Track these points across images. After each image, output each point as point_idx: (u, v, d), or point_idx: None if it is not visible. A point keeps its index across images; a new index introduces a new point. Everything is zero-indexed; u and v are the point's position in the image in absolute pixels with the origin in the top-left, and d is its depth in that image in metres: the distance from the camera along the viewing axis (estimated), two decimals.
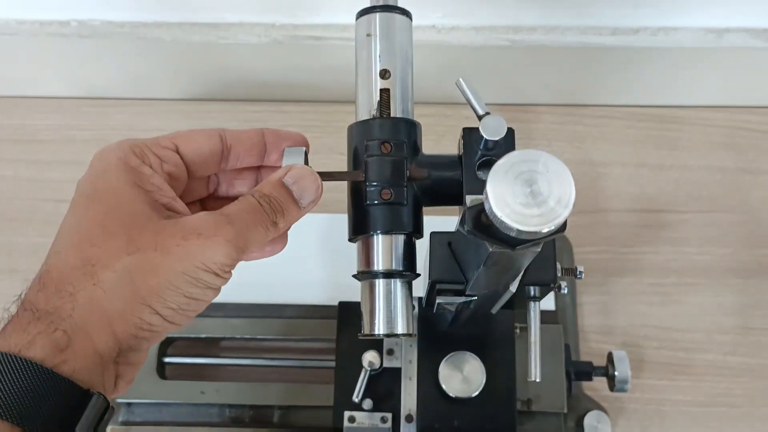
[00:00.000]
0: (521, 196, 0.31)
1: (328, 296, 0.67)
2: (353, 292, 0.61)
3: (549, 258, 0.44)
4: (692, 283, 0.75)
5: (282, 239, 0.47)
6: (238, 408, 0.64)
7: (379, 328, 0.45)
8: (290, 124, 0.80)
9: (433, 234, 0.45)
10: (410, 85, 0.47)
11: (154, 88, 0.79)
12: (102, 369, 0.36)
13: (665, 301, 0.74)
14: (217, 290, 0.40)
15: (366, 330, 0.45)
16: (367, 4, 0.47)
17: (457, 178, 0.43)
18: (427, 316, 0.61)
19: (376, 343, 0.61)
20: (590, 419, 0.64)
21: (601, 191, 0.78)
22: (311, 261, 0.71)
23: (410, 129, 0.45)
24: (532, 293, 0.47)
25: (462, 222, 0.37)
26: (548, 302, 0.69)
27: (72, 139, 0.80)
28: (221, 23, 0.69)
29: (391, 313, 0.45)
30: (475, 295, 0.45)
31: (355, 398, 0.59)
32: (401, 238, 0.45)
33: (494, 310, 0.50)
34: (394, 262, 0.45)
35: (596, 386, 0.69)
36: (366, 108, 0.46)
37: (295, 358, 0.67)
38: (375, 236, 0.45)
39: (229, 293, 0.68)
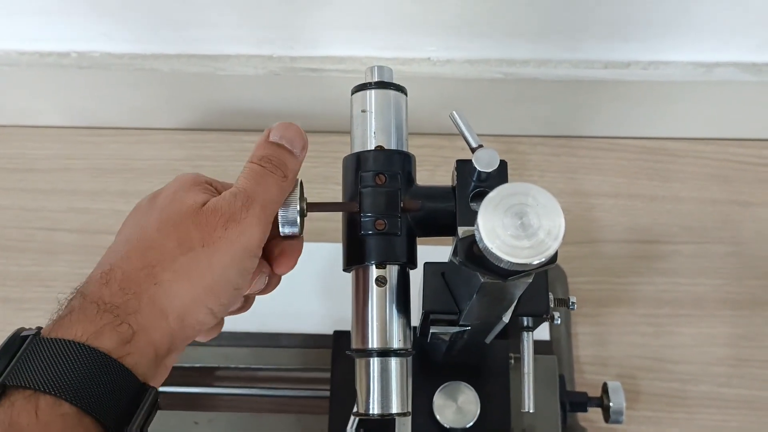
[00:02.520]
0: (511, 229, 0.31)
1: (323, 325, 0.67)
2: (348, 322, 0.61)
3: (541, 289, 0.44)
4: (685, 314, 0.75)
5: (273, 284, 0.48)
6: None
7: (373, 409, 0.42)
8: None
9: (426, 264, 0.46)
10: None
11: (151, 118, 0.80)
12: (155, 366, 0.37)
13: (659, 332, 0.75)
14: (250, 275, 0.41)
15: (360, 409, 0.43)
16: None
17: (451, 209, 0.44)
18: (421, 346, 0.61)
19: None
20: None
21: (594, 222, 0.78)
22: (306, 290, 0.71)
23: (404, 161, 0.45)
24: (525, 323, 0.47)
25: (455, 253, 0.38)
26: (543, 332, 0.69)
27: (68, 168, 0.81)
28: (219, 55, 0.69)
29: (386, 392, 0.42)
30: (468, 325, 0.46)
31: (349, 430, 0.59)
32: (395, 268, 0.45)
33: (488, 340, 0.51)
34: (388, 338, 0.43)
35: (591, 417, 0.69)
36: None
37: (290, 387, 0.67)
38: (370, 267, 0.45)
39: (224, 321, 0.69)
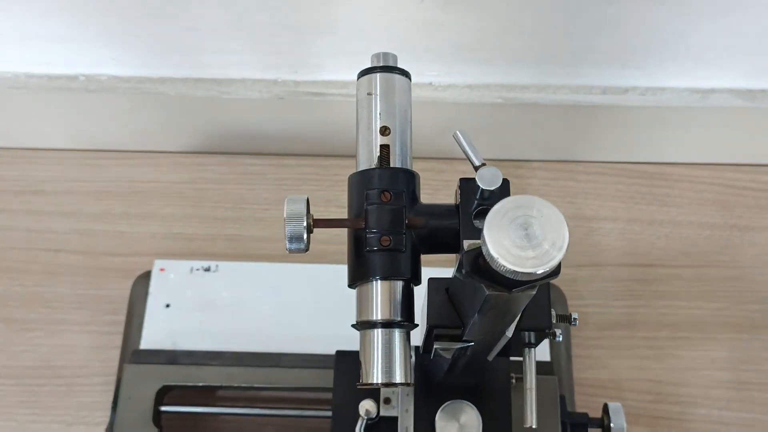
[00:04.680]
0: (517, 239, 0.32)
1: (325, 346, 0.67)
2: (350, 342, 0.62)
3: (544, 304, 0.45)
4: (685, 337, 0.76)
5: None
6: None
7: (377, 378, 0.45)
8: (289, 177, 0.82)
9: (431, 280, 0.46)
10: (409, 140, 0.49)
11: (155, 142, 0.81)
12: None
13: (659, 355, 0.75)
14: None
15: (364, 379, 0.46)
16: (368, 64, 0.49)
17: (454, 226, 0.44)
18: (423, 366, 0.62)
19: (373, 392, 0.61)
20: None
21: (593, 246, 0.79)
22: (307, 311, 0.71)
23: (409, 179, 0.46)
24: (527, 339, 0.48)
25: (460, 266, 0.38)
26: (543, 353, 0.69)
27: (73, 190, 0.81)
28: (224, 79, 0.71)
29: (389, 362, 0.45)
30: (471, 341, 0.46)
31: None
32: (400, 284, 0.46)
33: (490, 357, 0.51)
34: (393, 311, 0.45)
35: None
36: (366, 160, 0.47)
37: (292, 407, 0.67)
38: (374, 282, 0.46)
39: (227, 342, 0.69)
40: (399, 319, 0.45)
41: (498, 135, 0.79)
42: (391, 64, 0.48)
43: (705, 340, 0.75)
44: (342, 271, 0.74)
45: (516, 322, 0.44)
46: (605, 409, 0.66)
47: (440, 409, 0.58)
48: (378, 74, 0.48)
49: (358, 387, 0.47)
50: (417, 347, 0.63)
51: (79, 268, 0.78)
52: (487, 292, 0.36)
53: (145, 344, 0.70)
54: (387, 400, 0.62)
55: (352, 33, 0.65)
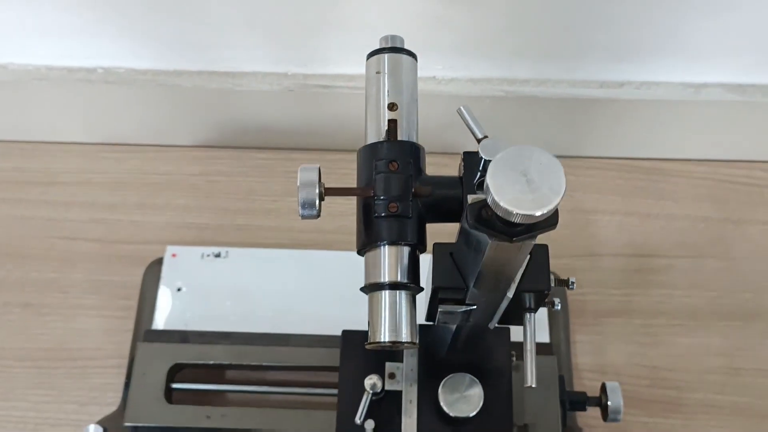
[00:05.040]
0: (517, 184, 0.35)
1: (332, 328, 0.69)
2: (356, 324, 0.64)
3: (543, 266, 0.48)
4: (680, 324, 0.78)
5: None
6: None
7: (384, 336, 0.47)
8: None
9: (436, 245, 0.49)
10: (415, 115, 0.51)
11: (170, 134, 0.84)
12: None
13: (655, 342, 0.77)
14: None
15: (371, 338, 0.48)
16: (375, 47, 0.52)
17: (458, 196, 0.47)
18: (427, 343, 0.64)
19: (378, 368, 0.63)
20: None
21: (592, 237, 0.82)
22: (316, 296, 0.74)
23: (415, 151, 0.49)
24: (527, 304, 0.50)
25: (464, 219, 0.41)
26: (543, 335, 0.72)
27: (89, 182, 0.84)
28: (237, 72, 0.74)
29: (396, 322, 0.47)
30: (474, 304, 0.49)
31: (358, 419, 0.61)
32: (406, 250, 0.49)
33: (492, 324, 0.53)
34: (400, 273, 0.48)
35: (590, 423, 0.72)
36: (375, 134, 0.50)
37: (300, 385, 0.69)
38: (382, 247, 0.48)
39: (236, 324, 0.72)
40: (405, 281, 0.48)
41: (499, 131, 0.81)
42: (398, 45, 0.52)
43: (699, 328, 0.78)
44: (350, 258, 0.77)
45: (516, 284, 0.47)
46: (603, 388, 0.68)
47: (443, 381, 0.60)
48: (386, 54, 0.51)
49: (367, 347, 0.49)
50: (421, 326, 0.65)
51: (95, 255, 0.81)
52: (490, 242, 0.39)
53: (157, 326, 0.73)
54: (392, 375, 0.64)
55: (358, 28, 0.68)
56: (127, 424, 0.66)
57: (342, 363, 0.65)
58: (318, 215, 0.49)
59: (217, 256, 0.76)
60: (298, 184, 0.49)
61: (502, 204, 0.35)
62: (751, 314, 0.78)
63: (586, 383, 0.75)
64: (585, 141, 0.82)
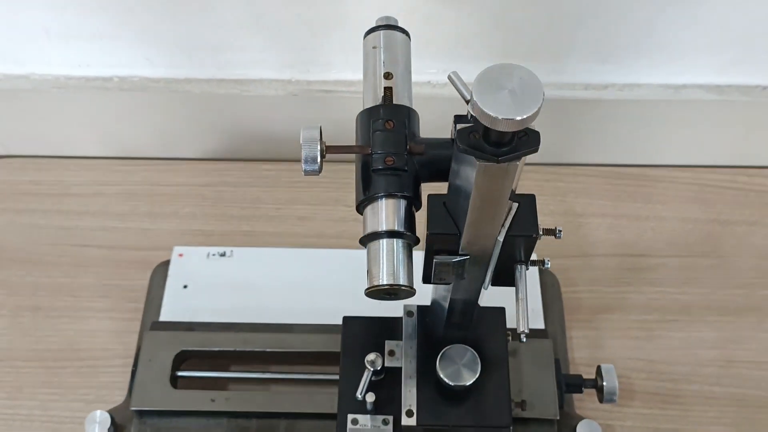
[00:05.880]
0: (500, 94, 0.39)
1: (333, 319, 0.72)
2: (357, 314, 0.67)
3: (531, 214, 0.51)
4: (674, 319, 0.80)
5: None
6: (247, 416, 0.68)
7: (383, 279, 0.50)
8: (301, 180, 0.89)
9: (430, 196, 0.52)
10: (409, 85, 0.56)
11: (179, 147, 0.88)
12: None
13: (650, 336, 0.79)
14: None
15: (369, 283, 0.50)
16: (375, 20, 0.57)
17: (450, 156, 0.51)
18: (425, 323, 0.66)
19: (377, 347, 0.65)
20: (582, 427, 0.67)
21: (584, 238, 0.85)
22: (318, 290, 0.76)
23: (410, 114, 0.53)
24: (518, 255, 0.53)
25: (455, 146, 0.44)
26: (538, 321, 0.74)
27: (101, 193, 0.88)
28: (244, 79, 0.79)
29: (394, 266, 0.50)
30: (467, 255, 0.51)
31: (359, 394, 0.63)
32: (403, 202, 0.52)
33: (486, 283, 0.56)
34: (397, 223, 0.51)
35: (589, 415, 0.73)
36: (371, 101, 0.54)
37: (303, 371, 0.71)
38: (379, 200, 0.51)
39: (241, 315, 0.74)
40: (402, 230, 0.50)
41: None
42: (392, 23, 0.56)
43: (693, 323, 0.80)
44: (350, 255, 0.80)
45: (506, 229, 0.50)
46: (598, 370, 0.70)
47: (441, 352, 0.62)
48: (382, 31, 0.55)
49: (365, 294, 0.52)
50: (419, 307, 0.68)
51: (104, 260, 0.84)
52: (478, 163, 0.42)
53: (163, 319, 0.75)
54: (391, 353, 0.66)
55: (357, 32, 0.73)
56: (133, 408, 0.68)
57: (343, 344, 0.67)
58: (319, 171, 0.52)
59: (223, 255, 0.79)
60: (301, 141, 0.52)
61: (485, 110, 0.38)
62: (742, 308, 0.80)
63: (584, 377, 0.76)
64: (573, 145, 0.86)
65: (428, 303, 0.66)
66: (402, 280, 0.50)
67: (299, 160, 0.92)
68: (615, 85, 0.78)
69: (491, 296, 0.60)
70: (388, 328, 0.67)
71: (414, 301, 0.67)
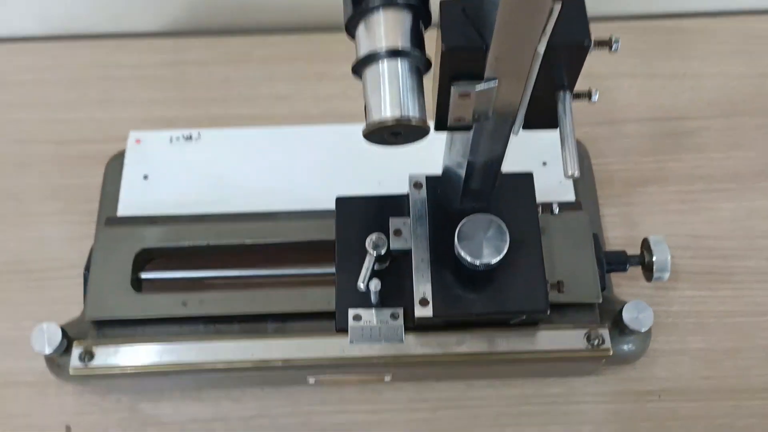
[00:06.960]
0: None
1: (325, 203, 0.60)
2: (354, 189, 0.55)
3: (580, 14, 0.38)
4: (721, 188, 0.68)
5: None
6: (226, 321, 0.56)
7: (386, 112, 0.38)
8: (276, 54, 0.76)
9: (442, 3, 0.39)
10: None
11: (132, 20, 0.74)
12: None
13: (695, 209, 0.68)
14: None
15: (369, 119, 0.39)
16: None
17: None
18: (436, 196, 0.54)
19: (380, 226, 0.54)
20: (629, 310, 0.56)
21: (612, 103, 0.72)
22: (301, 173, 0.64)
23: None
24: (561, 78, 0.41)
25: None
26: (568, 193, 0.62)
27: (43, 80, 0.75)
28: None
29: (399, 94, 0.39)
30: (495, 78, 0.39)
31: (361, 283, 0.51)
32: (408, 15, 0.40)
33: (516, 128, 0.44)
34: (401, 38, 0.39)
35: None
36: None
37: (291, 266, 0.59)
38: (376, 12, 0.39)
39: (212, 206, 0.62)
40: (408, 47, 0.39)
41: None
42: None
43: (743, 191, 0.68)
44: (342, 130, 0.68)
45: (548, 36, 0.37)
46: (645, 244, 0.58)
47: (459, 225, 0.50)
48: None
49: (363, 135, 0.40)
50: (428, 177, 0.56)
51: (51, 157, 0.71)
52: None
53: (121, 214, 0.63)
54: (397, 232, 0.54)
55: None
56: (89, 318, 0.56)
57: (338, 228, 0.55)
58: None
59: (188, 138, 0.66)
60: None
61: None
62: None
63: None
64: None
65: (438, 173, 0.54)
66: (411, 110, 0.38)
67: (271, 32, 0.79)
68: None
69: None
70: (391, 206, 0.55)
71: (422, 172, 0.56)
